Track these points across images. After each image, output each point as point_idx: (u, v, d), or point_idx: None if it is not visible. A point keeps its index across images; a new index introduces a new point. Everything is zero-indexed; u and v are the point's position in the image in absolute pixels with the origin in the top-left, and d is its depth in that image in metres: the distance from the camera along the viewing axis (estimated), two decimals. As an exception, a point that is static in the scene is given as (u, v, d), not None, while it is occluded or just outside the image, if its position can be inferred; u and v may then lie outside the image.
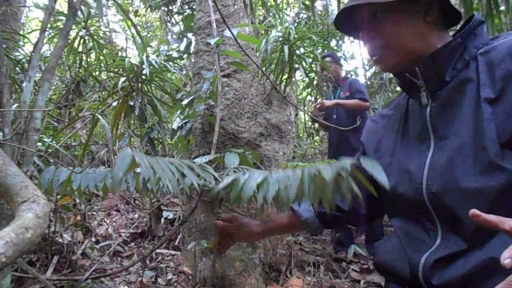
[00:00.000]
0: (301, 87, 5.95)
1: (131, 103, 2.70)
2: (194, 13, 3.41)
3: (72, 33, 2.72)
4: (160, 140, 3.28)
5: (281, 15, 3.77)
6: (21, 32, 4.01)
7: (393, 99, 1.03)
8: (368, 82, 5.95)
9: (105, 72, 3.99)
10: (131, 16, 5.61)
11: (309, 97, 5.97)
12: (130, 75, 2.58)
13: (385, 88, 5.06)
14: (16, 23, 3.76)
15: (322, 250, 3.20)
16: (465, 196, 0.71)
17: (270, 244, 2.60)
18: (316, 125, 6.20)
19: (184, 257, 2.66)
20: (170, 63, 2.88)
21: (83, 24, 2.77)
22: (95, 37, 2.83)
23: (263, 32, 4.35)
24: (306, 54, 2.71)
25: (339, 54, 5.27)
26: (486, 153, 0.69)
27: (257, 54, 2.73)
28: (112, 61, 3.12)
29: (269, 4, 4.43)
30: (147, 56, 2.57)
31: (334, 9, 5.42)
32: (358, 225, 1.26)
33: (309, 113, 3.65)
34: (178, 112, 3.11)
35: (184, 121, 2.75)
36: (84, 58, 3.10)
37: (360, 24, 0.88)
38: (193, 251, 2.43)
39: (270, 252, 2.59)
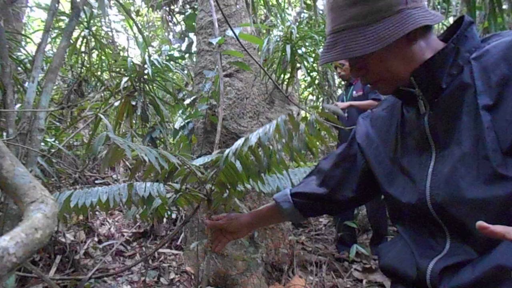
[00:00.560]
0: (302, 86, 5.95)
1: (133, 103, 2.71)
2: (196, 12, 3.41)
3: (75, 33, 2.73)
4: (162, 140, 3.29)
5: (282, 15, 3.78)
6: (23, 32, 4.02)
7: (386, 98, 1.01)
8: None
9: (107, 72, 4.00)
10: (133, 15, 5.62)
11: (310, 97, 5.97)
12: (132, 75, 2.58)
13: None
14: (18, 23, 3.77)
15: (324, 249, 3.20)
16: (472, 206, 0.71)
17: (272, 243, 2.60)
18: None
19: (187, 257, 2.67)
20: (172, 62, 2.88)
21: (85, 24, 2.77)
22: (97, 37, 2.83)
23: (264, 31, 4.35)
24: (308, 54, 2.71)
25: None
26: (489, 163, 0.69)
27: (259, 53, 2.73)
28: (114, 61, 3.12)
29: (270, 3, 4.43)
30: (149, 56, 2.57)
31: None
32: (339, 212, 1.27)
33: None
34: (180, 111, 3.11)
35: (186, 121, 2.75)
36: (86, 58, 3.10)
37: (348, 60, 0.87)
38: (195, 250, 2.43)
39: (272, 252, 2.59)
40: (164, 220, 3.14)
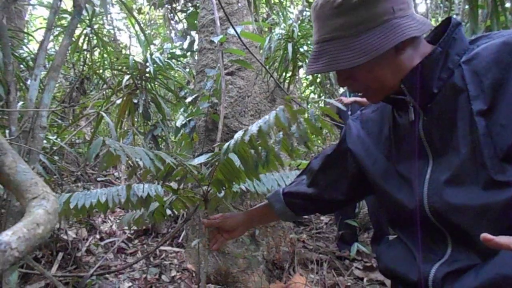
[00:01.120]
0: (304, 84, 5.95)
1: (135, 101, 2.72)
2: (198, 11, 3.41)
3: (77, 31, 2.73)
4: (164, 138, 3.30)
5: (284, 13, 3.77)
6: (25, 30, 4.03)
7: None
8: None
9: (109, 70, 4.01)
10: (135, 14, 5.62)
11: (312, 95, 5.96)
12: (134, 73, 2.59)
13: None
14: (20, 21, 3.78)
15: (325, 248, 3.20)
16: (471, 213, 0.70)
17: (273, 241, 2.61)
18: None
19: (188, 254, 2.68)
20: (174, 61, 2.89)
21: (87, 22, 2.78)
22: (99, 35, 2.84)
23: (266, 30, 4.35)
24: (310, 52, 2.70)
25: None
26: (487, 170, 0.68)
27: (261, 52, 2.73)
28: (116, 59, 3.13)
29: (272, 1, 4.43)
30: (151, 54, 2.57)
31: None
32: (331, 211, 1.27)
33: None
34: (182, 110, 3.12)
35: (187, 119, 2.76)
36: (88, 56, 3.11)
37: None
38: (196, 248, 2.44)
39: (273, 250, 2.60)
40: (165, 218, 3.15)
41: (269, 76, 2.67)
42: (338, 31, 0.76)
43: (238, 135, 0.97)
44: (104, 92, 3.84)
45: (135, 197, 0.96)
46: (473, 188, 0.70)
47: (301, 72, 4.86)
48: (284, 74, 2.73)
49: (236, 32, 2.02)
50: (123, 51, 4.67)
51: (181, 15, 5.46)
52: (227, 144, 1.02)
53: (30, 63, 2.71)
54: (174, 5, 5.40)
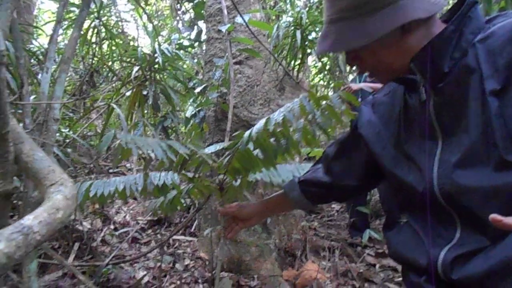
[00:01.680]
0: (313, 72, 5.90)
1: (145, 93, 2.73)
2: (205, 0, 3.39)
3: (85, 24, 2.74)
4: (174, 129, 3.31)
5: (292, 0, 3.73)
6: (34, 24, 4.06)
7: (387, 84, 0.98)
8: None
9: (118, 62, 4.03)
10: (142, 5, 5.61)
11: (321, 82, 5.92)
12: (143, 64, 2.60)
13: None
14: (29, 15, 3.81)
15: (337, 235, 3.21)
16: (482, 195, 0.70)
17: (285, 229, 2.62)
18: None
19: (201, 243, 2.71)
20: (182, 51, 2.89)
21: (96, 14, 2.79)
22: (107, 27, 2.85)
23: (274, 17, 4.31)
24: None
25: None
26: (498, 151, 0.67)
27: (269, 40, 2.72)
28: (124, 51, 3.14)
29: (279, -11, 4.38)
30: (159, 45, 2.58)
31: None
32: (347, 199, 1.27)
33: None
34: (191, 100, 3.12)
35: (197, 109, 2.77)
36: (97, 49, 3.12)
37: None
38: (209, 237, 2.47)
39: (285, 238, 2.61)
40: (185, 206, 3.18)
41: (277, 65, 2.66)
42: (344, 11, 0.76)
43: (259, 124, 0.95)
44: (114, 85, 3.87)
45: (151, 185, 0.98)
46: (483, 170, 0.69)
47: (310, 59, 4.82)
48: (293, 62, 2.71)
49: (244, 21, 2.01)
50: (131, 43, 4.68)
51: (188, 5, 5.43)
52: (248, 132, 1.01)
53: (40, 57, 2.73)
54: (180, -5, 5.38)
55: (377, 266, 2.65)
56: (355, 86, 3.31)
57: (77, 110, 3.62)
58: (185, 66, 4.48)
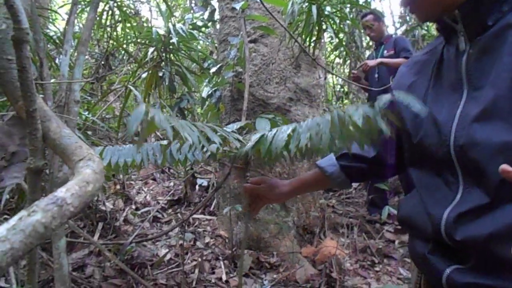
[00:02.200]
0: (328, 49, 5.79)
1: (160, 74, 2.74)
2: (217, -22, 3.34)
3: (99, 8, 2.74)
4: (190, 110, 3.33)
5: (306, -25, 3.61)
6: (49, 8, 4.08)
7: (429, 43, 0.96)
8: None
9: (133, 44, 4.03)
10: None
11: (337, 60, 5.82)
12: (158, 45, 2.60)
13: (418, 45, 4.84)
14: None
15: (355, 212, 3.22)
16: (494, 150, 0.68)
17: (303, 207, 2.64)
18: (346, 87, 6.06)
19: (220, 222, 2.76)
20: (196, 31, 2.86)
21: (109, -4, 2.78)
22: (122, 8, 2.84)
23: (288, -7, 4.21)
24: (335, 13, 2.61)
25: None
26: None
27: (284, 16, 2.66)
28: (139, 33, 3.14)
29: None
30: (174, 25, 2.56)
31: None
32: (386, 176, 1.21)
33: (352, 74, 3.56)
34: (207, 80, 3.12)
35: (213, 89, 2.76)
36: (112, 31, 3.13)
37: None
38: (228, 215, 2.51)
39: (304, 215, 2.63)
40: (197, 187, 3.23)
41: (293, 42, 2.61)
42: None
43: (280, 140, 0.81)
44: (130, 67, 3.89)
45: (172, 158, 0.96)
46: (500, 124, 0.68)
47: (326, 35, 4.72)
48: (308, 38, 2.66)
49: (259, -3, 1.97)
50: (145, 24, 4.67)
51: (200, -15, 5.35)
52: (257, 140, 0.89)
53: (57, 41, 2.76)
54: (192, -25, 5.30)
55: (396, 242, 2.65)
56: (371, 62, 3.25)
57: (94, 93, 3.67)
58: (199, 46, 4.46)
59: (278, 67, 2.72)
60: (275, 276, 2.23)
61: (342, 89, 6.23)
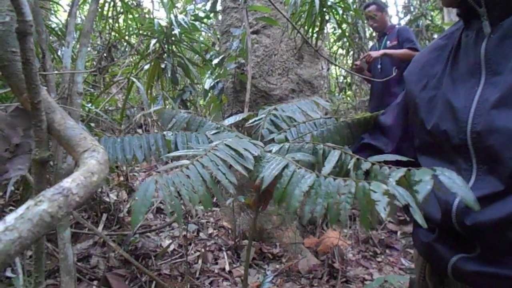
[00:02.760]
0: (331, 40, 5.76)
1: (163, 66, 2.73)
2: (219, -32, 3.31)
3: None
4: (193, 102, 3.33)
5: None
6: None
7: (448, 28, 0.93)
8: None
9: (135, 36, 4.02)
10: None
11: (340, 51, 5.78)
12: (160, 37, 2.59)
13: (421, 35, 4.79)
14: (45, -9, 3.81)
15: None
16: (509, 135, 0.67)
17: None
18: (349, 79, 6.04)
19: (223, 213, 2.78)
20: (197, 22, 2.85)
21: (110, -13, 2.76)
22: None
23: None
24: (338, 4, 2.59)
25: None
26: None
27: (286, 7, 2.65)
28: (141, 24, 3.13)
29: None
30: (176, 16, 2.55)
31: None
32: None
33: (355, 65, 3.53)
34: (209, 72, 3.11)
35: (215, 81, 2.76)
36: (114, 23, 3.12)
37: None
38: (231, 207, 2.52)
39: (306, 206, 2.64)
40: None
41: (296, 33, 2.60)
42: None
43: (296, 197, 0.79)
44: (132, 59, 3.88)
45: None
46: None
47: (329, 26, 4.69)
48: (311, 29, 2.64)
49: (261, -13, 1.95)
50: (147, 16, 4.64)
51: (202, -25, 5.30)
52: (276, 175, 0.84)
53: (59, 33, 2.75)
54: (194, -35, 5.25)
55: (399, 233, 2.66)
56: (374, 53, 3.23)
57: (97, 85, 3.67)
58: (201, 38, 4.44)
59: (281, 58, 2.71)
60: (277, 266, 2.24)
61: (345, 80, 6.21)
